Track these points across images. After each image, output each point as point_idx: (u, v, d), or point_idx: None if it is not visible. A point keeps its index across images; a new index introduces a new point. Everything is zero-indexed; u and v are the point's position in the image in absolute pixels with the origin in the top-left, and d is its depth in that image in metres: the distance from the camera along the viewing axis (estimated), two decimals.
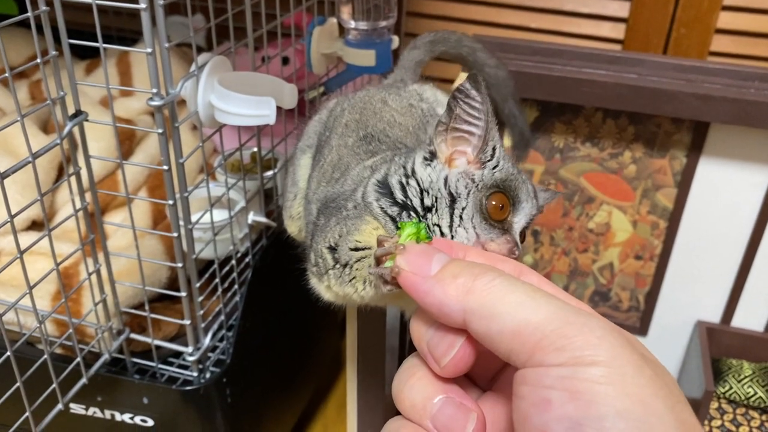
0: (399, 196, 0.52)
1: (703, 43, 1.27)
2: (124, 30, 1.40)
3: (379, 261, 0.45)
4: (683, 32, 1.27)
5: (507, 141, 1.03)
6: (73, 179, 0.73)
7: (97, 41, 0.67)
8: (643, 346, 0.35)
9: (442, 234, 0.50)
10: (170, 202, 0.74)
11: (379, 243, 0.45)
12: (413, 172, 0.52)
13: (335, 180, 0.62)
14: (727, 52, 1.26)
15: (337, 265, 0.54)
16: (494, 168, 0.50)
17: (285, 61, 1.14)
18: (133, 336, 0.87)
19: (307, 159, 0.73)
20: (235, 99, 0.71)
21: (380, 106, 0.68)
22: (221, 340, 0.92)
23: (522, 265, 0.42)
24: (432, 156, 0.51)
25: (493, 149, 0.50)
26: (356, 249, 0.53)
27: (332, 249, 0.55)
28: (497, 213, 0.49)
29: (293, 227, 0.76)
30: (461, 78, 1.00)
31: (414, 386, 0.39)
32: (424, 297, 0.38)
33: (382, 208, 0.53)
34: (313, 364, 1.27)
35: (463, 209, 0.50)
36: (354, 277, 0.52)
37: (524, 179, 0.51)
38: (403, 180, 0.52)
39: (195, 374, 0.89)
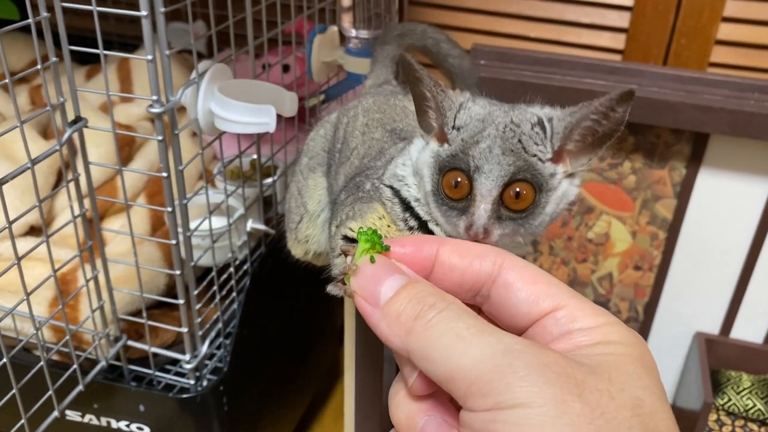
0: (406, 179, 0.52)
1: (703, 54, 1.27)
2: (125, 36, 1.40)
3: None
4: (683, 43, 1.28)
5: None
6: (72, 185, 0.73)
7: (97, 47, 0.66)
8: (586, 372, 0.33)
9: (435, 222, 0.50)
10: (169, 209, 0.74)
11: (344, 253, 0.43)
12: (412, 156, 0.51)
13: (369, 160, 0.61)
14: (727, 63, 1.27)
15: (330, 249, 0.54)
16: (452, 142, 0.47)
17: (285, 68, 1.14)
18: (130, 343, 0.87)
19: (316, 179, 0.71)
20: (235, 106, 0.71)
21: (401, 109, 0.67)
22: (218, 347, 0.92)
23: (505, 255, 0.39)
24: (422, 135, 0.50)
25: (453, 119, 0.47)
26: (345, 238, 0.52)
27: (338, 228, 0.55)
28: (454, 192, 0.47)
29: (298, 250, 0.74)
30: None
31: (399, 405, 0.39)
32: (374, 329, 0.37)
33: (396, 191, 0.52)
34: (311, 372, 1.27)
35: (426, 194, 0.49)
36: (334, 268, 0.52)
37: (491, 135, 0.46)
38: (407, 163, 0.52)
39: (192, 382, 0.88)
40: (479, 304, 0.40)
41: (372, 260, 0.39)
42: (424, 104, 0.49)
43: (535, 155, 0.46)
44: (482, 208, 0.45)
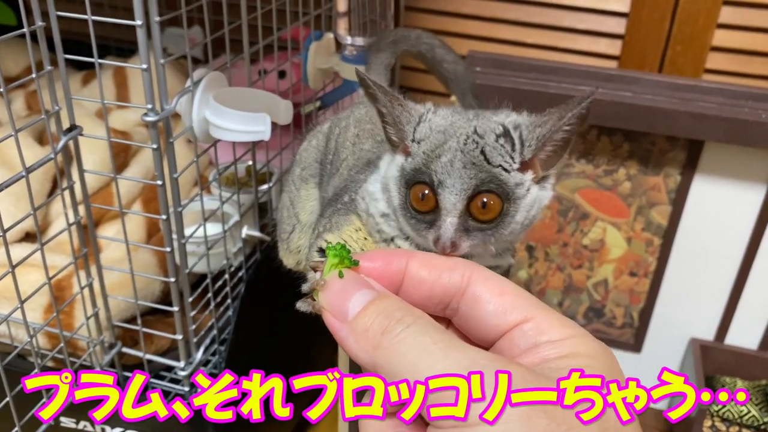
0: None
1: (698, 61, 1.27)
2: (122, 40, 1.40)
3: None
4: (679, 49, 1.28)
5: None
6: (67, 193, 0.73)
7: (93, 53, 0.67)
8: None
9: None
10: (164, 216, 0.74)
11: (313, 269, 0.43)
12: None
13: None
14: (723, 70, 1.27)
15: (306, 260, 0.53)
16: (414, 155, 0.47)
17: (282, 74, 1.14)
18: (125, 350, 0.87)
19: (309, 189, 0.71)
20: (230, 115, 0.71)
21: None
22: (213, 354, 0.92)
23: (474, 267, 0.39)
24: (393, 147, 0.50)
25: (412, 132, 0.47)
26: (320, 250, 0.53)
27: (316, 239, 0.55)
28: (421, 205, 0.46)
29: (290, 260, 0.74)
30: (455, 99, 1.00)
31: (369, 420, 0.39)
32: (342, 344, 0.37)
33: (369, 205, 0.52)
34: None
35: (394, 208, 0.48)
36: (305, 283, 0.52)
37: (452, 148, 0.45)
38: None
39: (187, 389, 0.88)
40: (449, 317, 0.40)
41: (340, 275, 0.39)
42: (383, 120, 0.49)
43: (499, 165, 0.45)
44: (448, 222, 0.45)
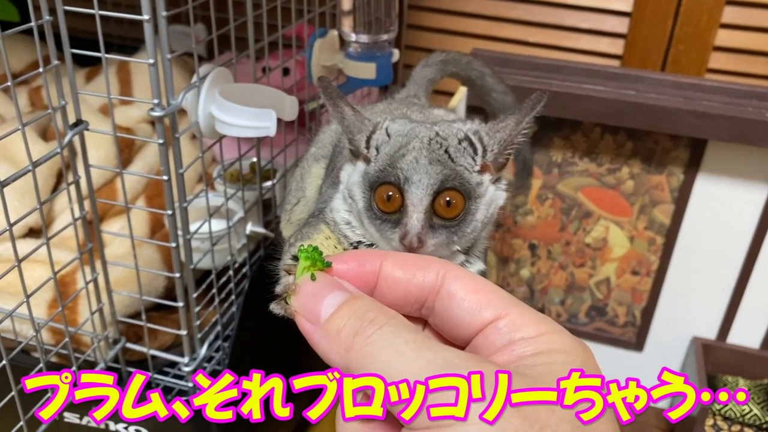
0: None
1: (701, 60, 1.27)
2: (125, 38, 1.40)
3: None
4: (682, 49, 1.28)
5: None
6: (72, 187, 0.73)
7: (97, 49, 0.67)
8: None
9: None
10: (169, 212, 0.74)
11: (287, 272, 0.43)
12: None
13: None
14: (725, 70, 1.27)
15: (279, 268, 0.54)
16: (375, 160, 0.49)
17: (286, 72, 1.14)
18: (129, 345, 0.87)
19: (318, 168, 0.73)
20: (236, 110, 0.71)
21: (401, 116, 0.67)
22: (217, 350, 0.92)
23: (448, 266, 0.40)
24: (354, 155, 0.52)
25: (367, 140, 0.50)
26: (294, 257, 0.53)
27: (290, 247, 0.56)
28: (387, 206, 0.48)
29: (290, 232, 0.75)
30: (461, 92, 1.00)
31: (345, 421, 0.38)
32: (315, 347, 0.37)
33: (335, 214, 0.53)
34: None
35: (359, 212, 0.50)
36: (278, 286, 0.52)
37: (416, 147, 0.47)
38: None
39: (190, 384, 0.88)
40: (425, 316, 0.40)
41: (313, 278, 0.39)
42: (343, 127, 0.51)
43: (462, 165, 0.48)
44: (415, 218, 0.46)
